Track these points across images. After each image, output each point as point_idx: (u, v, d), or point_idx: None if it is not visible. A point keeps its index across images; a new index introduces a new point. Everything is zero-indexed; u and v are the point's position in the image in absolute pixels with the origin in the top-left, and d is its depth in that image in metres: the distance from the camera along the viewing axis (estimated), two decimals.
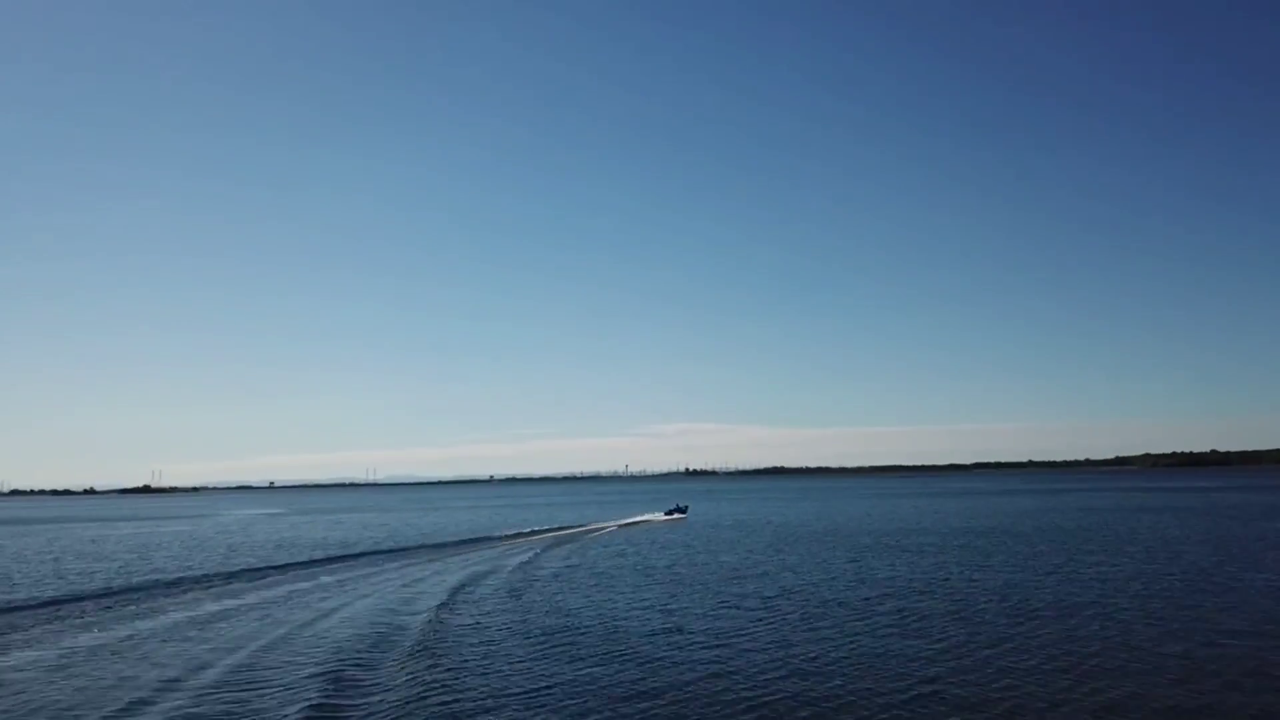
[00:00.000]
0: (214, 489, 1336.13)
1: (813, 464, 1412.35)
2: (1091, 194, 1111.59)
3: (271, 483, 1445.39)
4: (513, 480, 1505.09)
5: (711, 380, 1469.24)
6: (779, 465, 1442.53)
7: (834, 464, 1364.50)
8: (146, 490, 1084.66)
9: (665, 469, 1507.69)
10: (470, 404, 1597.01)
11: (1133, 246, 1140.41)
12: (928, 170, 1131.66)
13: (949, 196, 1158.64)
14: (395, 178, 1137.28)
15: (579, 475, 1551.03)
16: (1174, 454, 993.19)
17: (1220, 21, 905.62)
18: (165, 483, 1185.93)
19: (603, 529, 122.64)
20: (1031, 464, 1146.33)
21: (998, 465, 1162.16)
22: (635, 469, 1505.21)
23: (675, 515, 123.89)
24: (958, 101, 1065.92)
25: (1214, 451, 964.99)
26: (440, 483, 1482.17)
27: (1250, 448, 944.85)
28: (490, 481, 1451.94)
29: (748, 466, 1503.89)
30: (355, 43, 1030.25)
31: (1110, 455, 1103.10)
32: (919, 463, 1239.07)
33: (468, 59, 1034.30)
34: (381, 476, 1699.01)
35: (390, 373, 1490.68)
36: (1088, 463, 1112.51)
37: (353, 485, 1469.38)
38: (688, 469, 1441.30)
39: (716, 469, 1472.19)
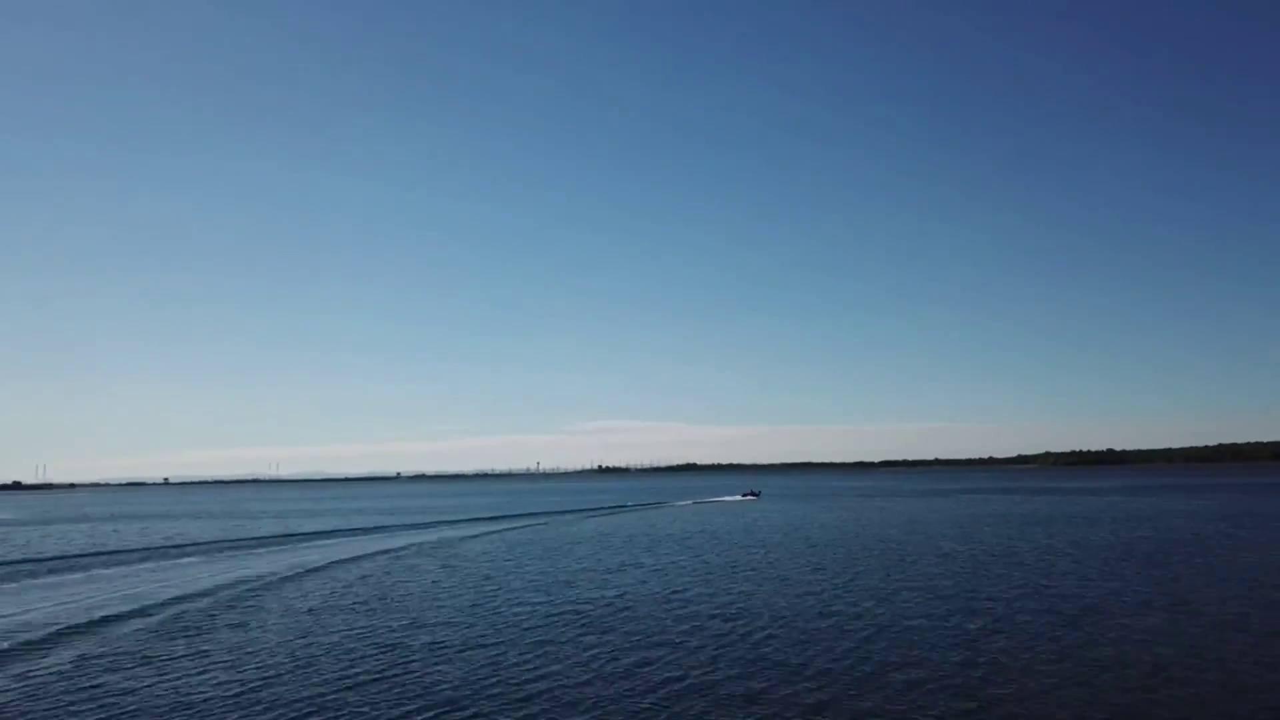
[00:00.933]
0: (106, 485, 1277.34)
1: (729, 460, 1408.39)
2: (1001, 203, 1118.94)
3: (166, 479, 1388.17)
4: (421, 477, 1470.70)
5: (633, 377, 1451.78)
6: (691, 462, 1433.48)
7: (749, 460, 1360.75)
8: (17, 487, 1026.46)
9: (579, 466, 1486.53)
10: (391, 401, 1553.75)
11: (1035, 252, 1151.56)
12: (839, 173, 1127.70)
13: (864, 201, 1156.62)
14: (315, 171, 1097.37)
15: (492, 472, 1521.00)
16: (1072, 453, 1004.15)
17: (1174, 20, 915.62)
18: (51, 479, 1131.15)
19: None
20: (938, 462, 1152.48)
21: (906, 463, 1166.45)
22: (548, 466, 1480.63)
23: (749, 496, 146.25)
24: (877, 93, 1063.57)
25: (1110, 450, 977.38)
26: (346, 479, 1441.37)
27: (1145, 446, 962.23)
28: (397, 479, 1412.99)
29: (662, 464, 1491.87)
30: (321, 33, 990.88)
31: (1013, 454, 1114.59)
32: (833, 460, 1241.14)
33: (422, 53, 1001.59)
34: (288, 473, 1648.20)
35: (305, 368, 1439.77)
36: (991, 460, 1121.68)
37: (254, 481, 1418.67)
38: (600, 466, 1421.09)
39: (630, 466, 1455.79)
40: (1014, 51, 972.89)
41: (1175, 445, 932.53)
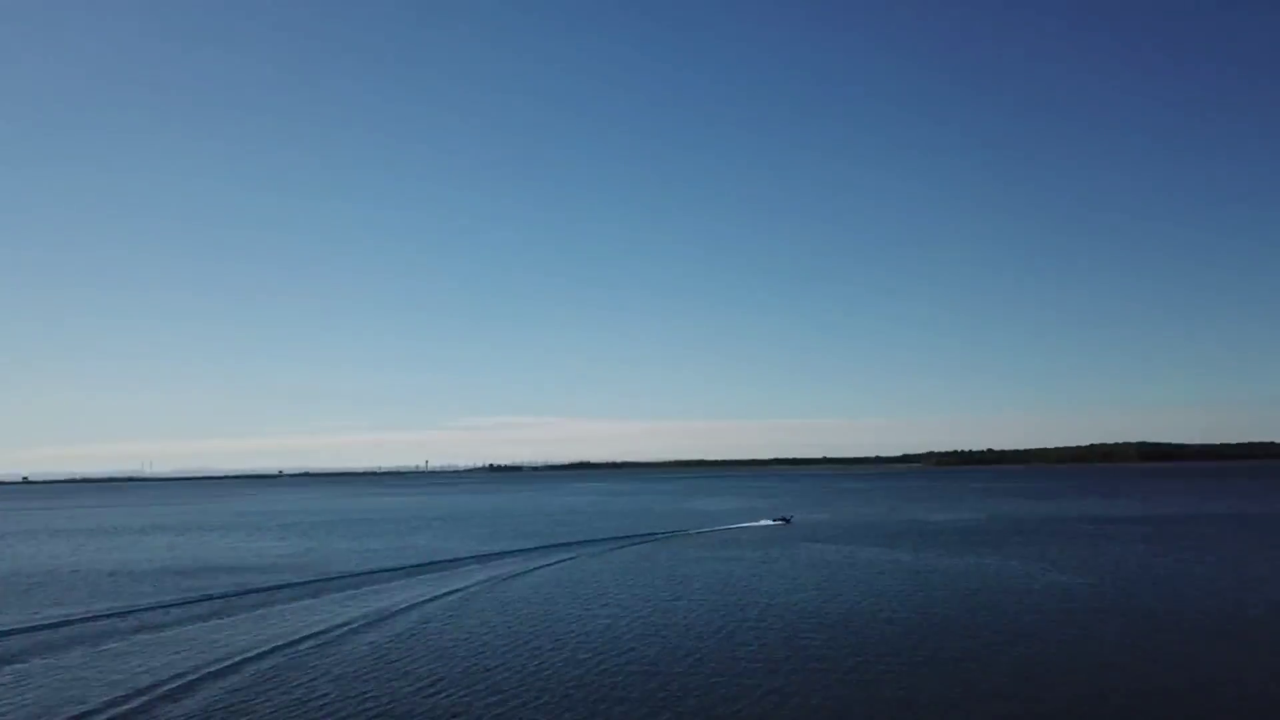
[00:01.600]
0: None
1: (621, 457, 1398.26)
2: (904, 203, 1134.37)
3: (25, 478, 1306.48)
4: (305, 475, 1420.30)
5: (526, 371, 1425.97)
6: (585, 460, 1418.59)
7: (641, 458, 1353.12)
8: None
9: (471, 464, 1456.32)
10: (271, 394, 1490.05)
11: (931, 251, 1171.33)
12: (712, 181, 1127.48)
13: (769, 194, 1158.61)
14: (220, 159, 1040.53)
15: (380, 470, 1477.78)
16: (954, 452, 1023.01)
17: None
18: None
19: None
20: (826, 460, 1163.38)
21: (794, 461, 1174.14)
22: (439, 463, 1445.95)
23: (780, 522, 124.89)
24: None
25: (989, 450, 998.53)
26: (227, 477, 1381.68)
27: (1023, 446, 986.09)
28: (279, 476, 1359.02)
29: (557, 461, 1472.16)
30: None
31: (899, 453, 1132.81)
32: (727, 457, 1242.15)
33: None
34: (164, 470, 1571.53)
35: (175, 356, 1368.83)
36: (877, 459, 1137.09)
37: (128, 481, 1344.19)
38: (492, 465, 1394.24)
39: (523, 464, 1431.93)
40: (1000, 49, 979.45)
41: (1050, 445, 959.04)
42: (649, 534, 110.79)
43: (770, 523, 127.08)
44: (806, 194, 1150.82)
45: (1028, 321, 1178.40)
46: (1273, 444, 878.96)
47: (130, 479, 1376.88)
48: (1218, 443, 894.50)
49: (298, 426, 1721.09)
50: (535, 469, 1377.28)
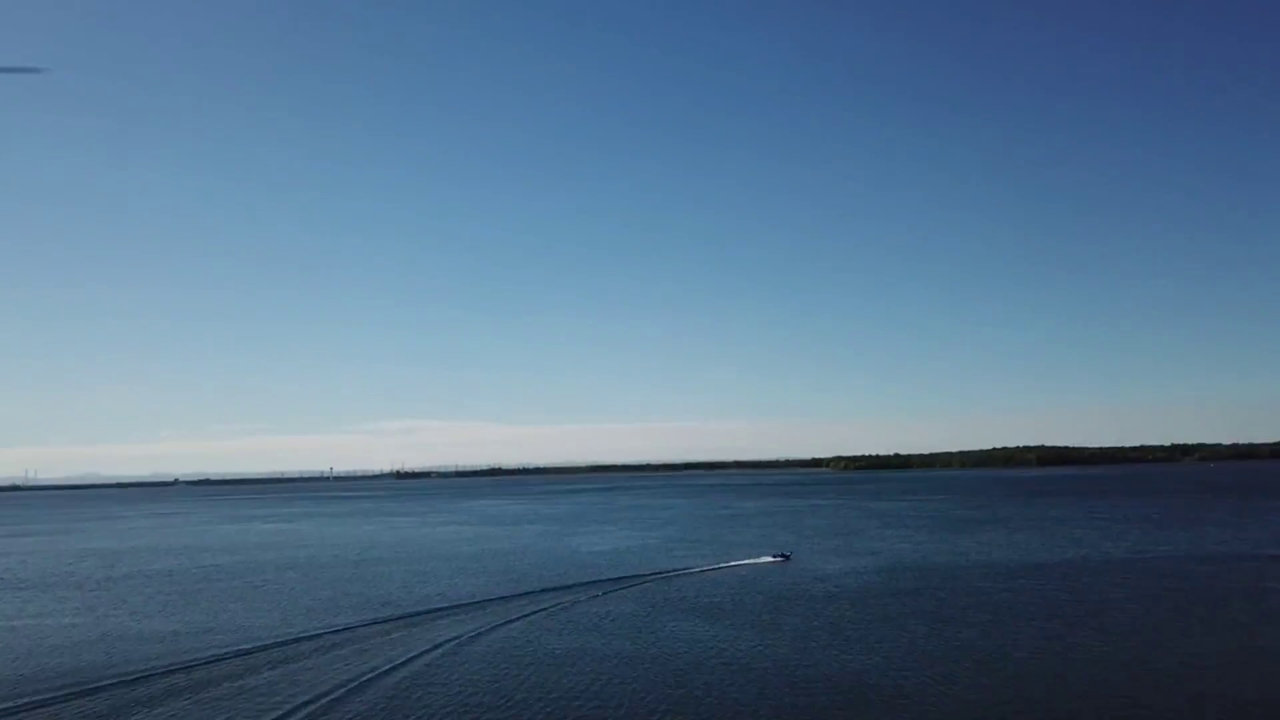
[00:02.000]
0: None
1: (533, 462, 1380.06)
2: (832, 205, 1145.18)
3: None
4: (204, 481, 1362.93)
5: (440, 376, 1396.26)
6: (497, 465, 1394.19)
7: (550, 462, 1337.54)
8: None
9: (377, 469, 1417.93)
10: (164, 396, 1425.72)
11: (845, 256, 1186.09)
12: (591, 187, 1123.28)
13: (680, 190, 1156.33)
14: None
15: (284, 476, 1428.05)
16: (862, 456, 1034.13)
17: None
18: None
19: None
20: (736, 464, 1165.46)
21: (708, 465, 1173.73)
22: (343, 469, 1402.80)
23: (779, 559, 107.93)
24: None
25: (896, 455, 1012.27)
26: (119, 484, 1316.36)
27: (930, 450, 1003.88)
28: (174, 484, 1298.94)
29: (467, 467, 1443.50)
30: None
31: (809, 456, 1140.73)
32: (633, 460, 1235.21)
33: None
34: (50, 477, 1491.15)
35: (59, 360, 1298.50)
36: (788, 463, 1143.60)
37: (6, 489, 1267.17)
38: (399, 471, 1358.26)
39: (432, 470, 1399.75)
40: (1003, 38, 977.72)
41: (954, 449, 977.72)
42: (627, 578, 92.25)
43: (770, 559, 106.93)
44: (711, 189, 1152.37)
45: (931, 331, 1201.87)
46: (1164, 446, 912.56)
47: (10, 488, 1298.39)
48: (1113, 445, 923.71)
49: (195, 430, 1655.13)
50: (444, 475, 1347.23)
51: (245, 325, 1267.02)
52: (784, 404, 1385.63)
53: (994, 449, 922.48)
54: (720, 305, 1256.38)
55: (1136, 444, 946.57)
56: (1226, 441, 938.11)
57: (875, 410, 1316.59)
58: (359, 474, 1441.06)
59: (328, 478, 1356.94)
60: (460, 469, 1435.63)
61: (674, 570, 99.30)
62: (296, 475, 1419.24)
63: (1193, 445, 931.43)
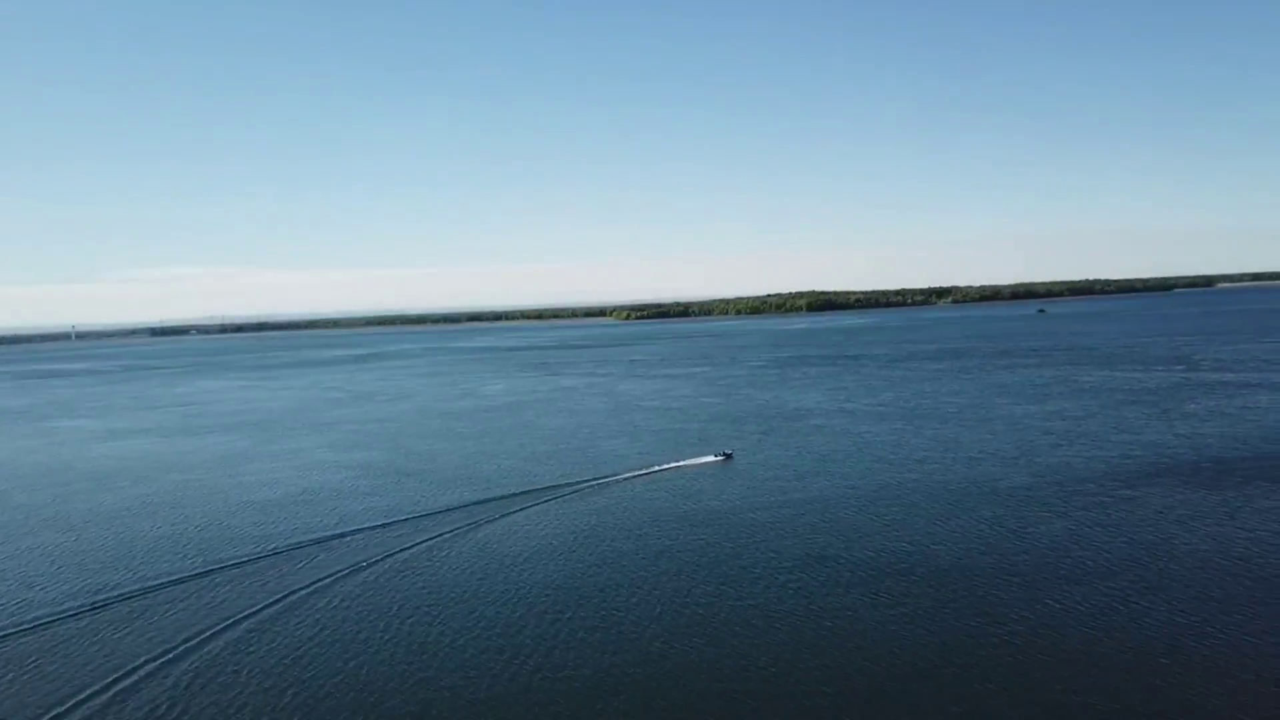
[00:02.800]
0: None
1: (316, 313, 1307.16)
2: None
3: None
4: None
5: (206, 214, 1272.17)
6: (262, 320, 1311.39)
7: (339, 312, 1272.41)
8: None
9: (127, 323, 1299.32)
10: None
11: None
12: None
13: None
14: None
15: (9, 335, 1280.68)
16: (647, 305, 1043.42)
17: None
18: None
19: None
20: (522, 314, 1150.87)
21: (494, 315, 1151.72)
22: (86, 325, 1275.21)
23: (722, 458, 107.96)
24: None
25: (676, 303, 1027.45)
26: None
27: (707, 296, 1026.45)
28: None
29: (234, 319, 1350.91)
30: None
31: (595, 304, 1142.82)
32: (417, 310, 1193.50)
33: None
34: None
35: None
36: (571, 312, 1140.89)
37: None
38: (153, 328, 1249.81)
39: (191, 324, 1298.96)
40: None
41: (730, 296, 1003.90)
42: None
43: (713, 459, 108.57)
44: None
45: (699, 173, 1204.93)
46: (922, 289, 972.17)
47: None
48: (875, 289, 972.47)
49: None
50: (208, 329, 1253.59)
51: None
52: (551, 250, 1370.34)
53: (767, 296, 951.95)
54: (501, 148, 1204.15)
55: (899, 287, 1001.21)
56: (976, 284, 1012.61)
57: (650, 255, 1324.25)
58: (109, 329, 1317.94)
59: (69, 336, 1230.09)
60: (227, 322, 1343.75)
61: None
62: (32, 333, 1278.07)
63: (947, 288, 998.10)
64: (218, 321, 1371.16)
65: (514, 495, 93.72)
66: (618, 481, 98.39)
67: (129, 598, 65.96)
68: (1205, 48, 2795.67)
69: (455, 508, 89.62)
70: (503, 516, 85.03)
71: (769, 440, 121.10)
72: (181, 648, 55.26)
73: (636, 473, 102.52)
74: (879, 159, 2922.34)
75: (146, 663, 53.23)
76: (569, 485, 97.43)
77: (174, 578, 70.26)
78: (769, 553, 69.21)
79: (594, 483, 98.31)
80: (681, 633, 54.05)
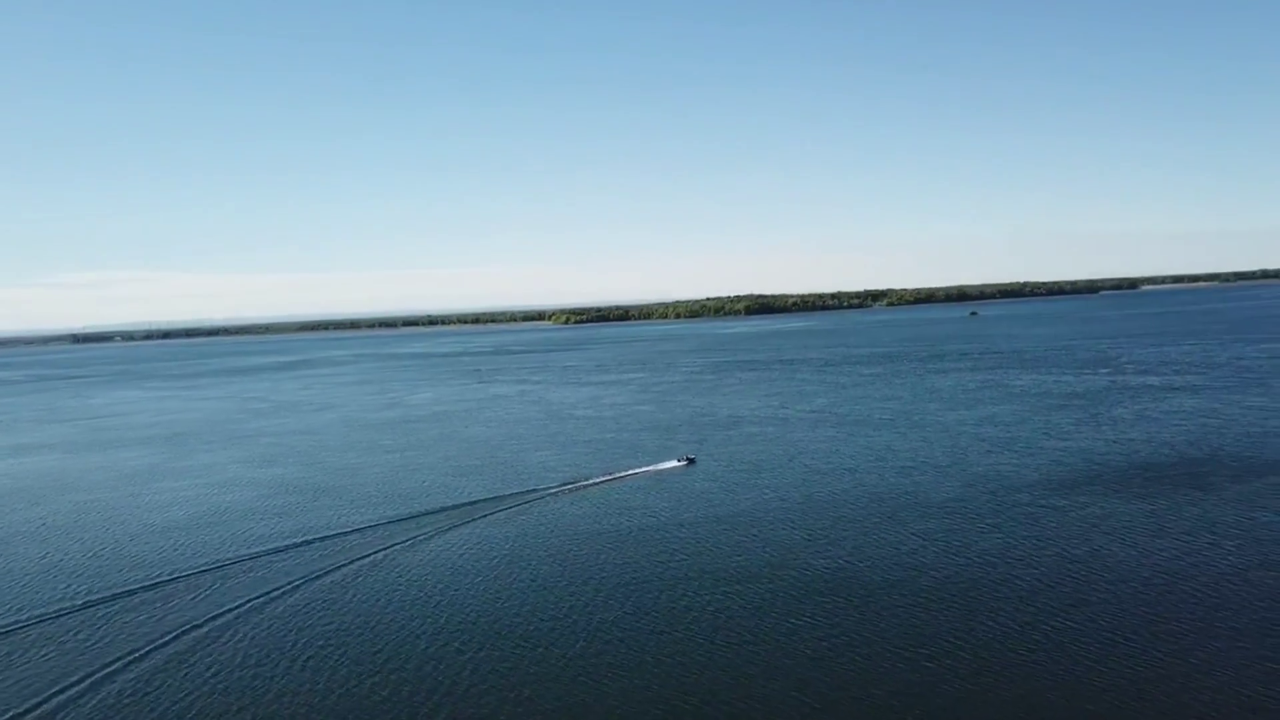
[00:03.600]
0: None
1: (245, 319, 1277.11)
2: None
3: None
4: None
5: (134, 218, 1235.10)
6: (193, 327, 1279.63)
7: (268, 317, 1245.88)
8: None
9: (55, 329, 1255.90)
10: None
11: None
12: None
13: None
14: None
15: None
16: (585, 309, 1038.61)
17: None
18: None
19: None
20: (459, 319, 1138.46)
21: (428, 320, 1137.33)
22: (11, 331, 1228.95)
23: (684, 462, 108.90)
24: None
25: (617, 307, 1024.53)
26: None
27: (649, 300, 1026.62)
28: None
29: (164, 324, 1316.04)
30: None
31: (534, 308, 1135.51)
32: (353, 314, 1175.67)
33: None
34: None
35: None
36: (510, 316, 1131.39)
37: None
38: (77, 334, 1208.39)
39: (116, 331, 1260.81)
40: None
41: (670, 299, 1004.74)
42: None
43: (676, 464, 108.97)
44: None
45: (625, 180, 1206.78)
46: (858, 292, 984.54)
47: None
48: (813, 292, 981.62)
49: None
50: (133, 336, 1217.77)
51: None
52: (492, 254, 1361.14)
53: (706, 299, 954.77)
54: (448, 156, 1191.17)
55: (835, 290, 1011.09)
56: (911, 287, 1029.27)
57: (592, 258, 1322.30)
58: (29, 336, 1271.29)
59: None
60: (154, 328, 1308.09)
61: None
62: None
63: (883, 291, 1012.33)
64: (144, 328, 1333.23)
65: (433, 513, 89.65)
66: (542, 498, 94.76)
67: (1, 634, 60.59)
68: (1114, 48, 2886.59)
69: (371, 526, 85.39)
70: (420, 537, 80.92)
71: (703, 450, 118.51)
72: (53, 699, 50.23)
73: (563, 487, 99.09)
74: (820, 162, 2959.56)
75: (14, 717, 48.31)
76: (490, 501, 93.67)
77: (56, 611, 64.97)
78: (687, 574, 66.37)
79: (517, 498, 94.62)
80: (593, 662, 50.86)
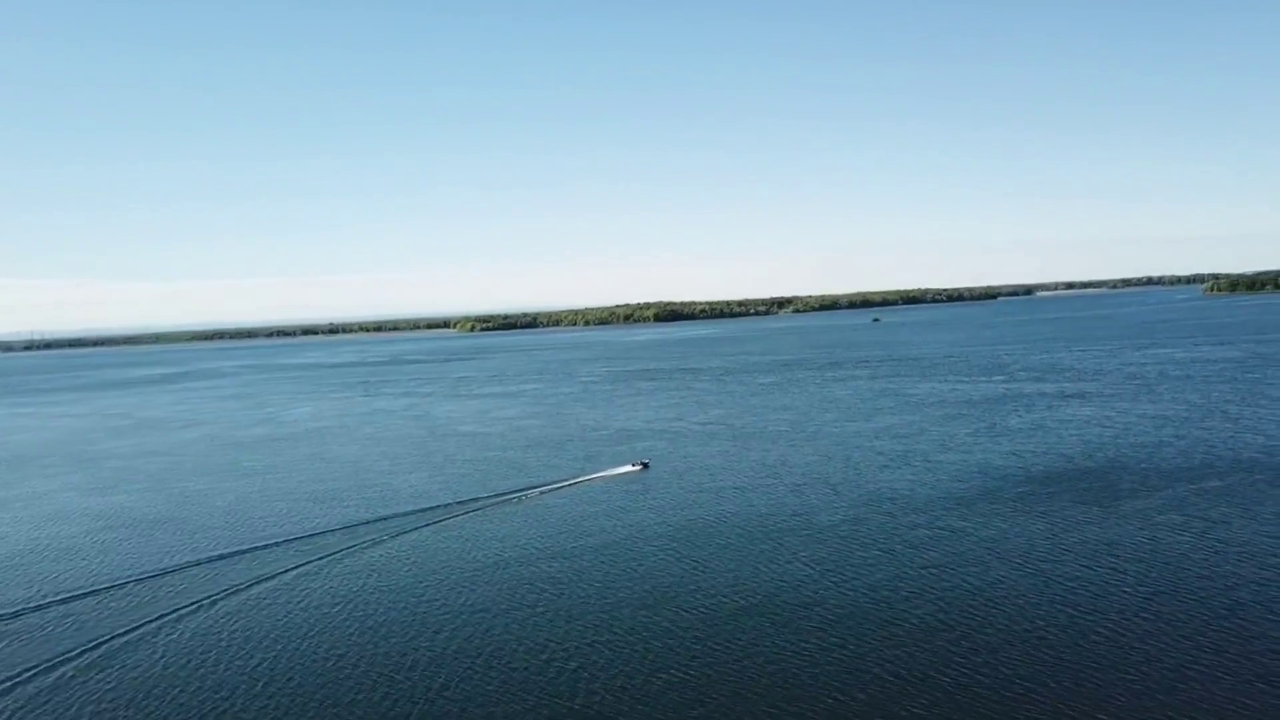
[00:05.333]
0: None
1: (144, 327, 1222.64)
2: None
3: None
4: None
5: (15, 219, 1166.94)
6: (89, 333, 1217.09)
7: (165, 326, 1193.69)
8: None
9: None
10: None
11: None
12: None
13: None
14: None
15: None
16: (494, 316, 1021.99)
17: None
18: None
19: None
20: (360, 326, 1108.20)
21: (329, 328, 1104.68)
22: None
23: (638, 467, 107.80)
24: None
25: (525, 314, 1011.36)
26: None
27: (557, 307, 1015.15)
28: None
29: (52, 334, 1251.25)
30: None
31: (438, 316, 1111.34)
32: (248, 324, 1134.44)
33: None
34: None
35: None
36: (413, 324, 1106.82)
37: None
38: None
39: (14, 340, 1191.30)
40: None
41: (581, 306, 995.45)
42: None
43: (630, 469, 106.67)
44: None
45: (553, 182, 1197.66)
46: (765, 300, 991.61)
47: None
48: (720, 300, 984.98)
49: None
50: (9, 347, 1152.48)
51: None
52: (398, 259, 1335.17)
53: (617, 306, 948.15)
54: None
55: (741, 298, 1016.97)
56: (815, 294, 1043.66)
57: (502, 262, 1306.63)
58: None
59: None
60: (36, 338, 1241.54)
61: None
62: None
63: (788, 298, 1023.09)
64: (25, 338, 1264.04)
65: (281, 544, 79.79)
66: (404, 529, 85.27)
67: None
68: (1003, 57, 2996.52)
69: (196, 564, 74.91)
70: (261, 577, 70.92)
71: (590, 468, 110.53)
72: None
73: (428, 512, 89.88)
74: (728, 173, 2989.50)
75: None
76: (343, 530, 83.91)
77: None
78: (557, 611, 58.33)
79: (373, 527, 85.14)
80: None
